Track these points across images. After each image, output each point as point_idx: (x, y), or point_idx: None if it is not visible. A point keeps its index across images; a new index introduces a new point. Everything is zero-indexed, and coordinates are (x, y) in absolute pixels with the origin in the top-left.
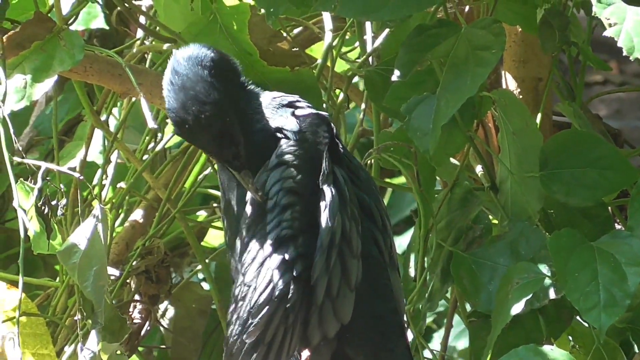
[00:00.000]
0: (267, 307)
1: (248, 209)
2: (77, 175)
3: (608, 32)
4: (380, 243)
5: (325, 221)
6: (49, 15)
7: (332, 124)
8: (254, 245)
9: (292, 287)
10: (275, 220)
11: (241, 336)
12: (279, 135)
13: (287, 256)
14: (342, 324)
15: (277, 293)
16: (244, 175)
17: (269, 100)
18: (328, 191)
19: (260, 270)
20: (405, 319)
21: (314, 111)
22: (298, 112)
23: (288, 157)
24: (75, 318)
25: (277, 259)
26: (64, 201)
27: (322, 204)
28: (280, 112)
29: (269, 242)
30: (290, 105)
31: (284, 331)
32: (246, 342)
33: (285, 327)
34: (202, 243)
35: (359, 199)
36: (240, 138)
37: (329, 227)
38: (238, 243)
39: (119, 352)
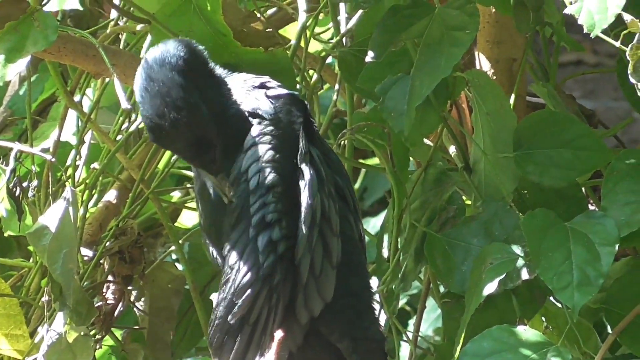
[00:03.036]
0: (251, 287)
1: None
2: (48, 157)
3: (569, 10)
4: (352, 224)
5: (306, 200)
6: None
7: (304, 103)
8: (238, 226)
9: (276, 267)
10: (258, 202)
11: (225, 318)
12: (252, 119)
13: (272, 237)
14: (325, 302)
15: (261, 273)
16: (219, 179)
17: (240, 82)
18: (307, 170)
19: (244, 252)
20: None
21: (285, 91)
22: (270, 92)
23: (265, 138)
24: (43, 299)
25: (262, 240)
26: (35, 182)
27: (302, 184)
28: (252, 94)
29: (253, 224)
30: (262, 86)
31: (267, 311)
32: (230, 323)
33: (269, 307)
34: (176, 224)
35: (332, 180)
36: (217, 141)
37: (310, 206)
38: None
39: (85, 334)
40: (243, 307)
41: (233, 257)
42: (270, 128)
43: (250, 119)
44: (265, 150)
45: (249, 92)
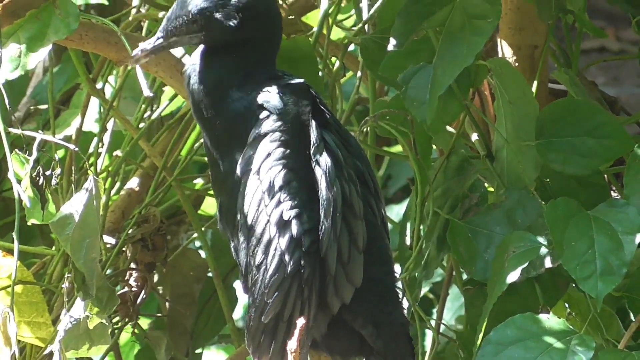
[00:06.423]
0: (280, 286)
1: (243, 187)
2: (71, 146)
3: None
4: (374, 208)
5: (325, 190)
6: None
7: (312, 91)
8: (257, 226)
9: (303, 262)
10: (274, 199)
11: (259, 318)
12: (260, 111)
13: (294, 234)
14: (356, 288)
15: (289, 270)
16: None
17: (262, 76)
18: (322, 160)
19: (268, 250)
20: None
21: (294, 80)
22: (281, 82)
23: (274, 135)
24: (64, 286)
25: (284, 238)
26: (58, 171)
27: (318, 174)
28: (263, 86)
29: (273, 222)
30: (273, 77)
31: (301, 305)
32: (265, 323)
33: (302, 301)
34: (199, 211)
35: (352, 164)
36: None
37: (329, 196)
38: (238, 222)
39: (103, 321)
40: (275, 306)
41: (258, 257)
42: (279, 123)
43: (258, 110)
44: (275, 147)
45: (261, 83)
